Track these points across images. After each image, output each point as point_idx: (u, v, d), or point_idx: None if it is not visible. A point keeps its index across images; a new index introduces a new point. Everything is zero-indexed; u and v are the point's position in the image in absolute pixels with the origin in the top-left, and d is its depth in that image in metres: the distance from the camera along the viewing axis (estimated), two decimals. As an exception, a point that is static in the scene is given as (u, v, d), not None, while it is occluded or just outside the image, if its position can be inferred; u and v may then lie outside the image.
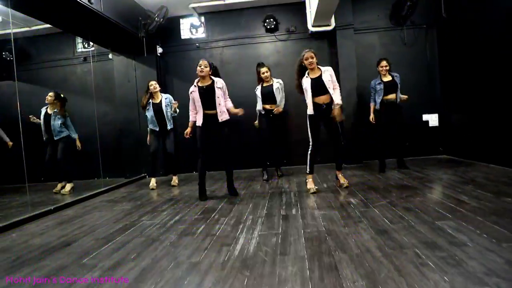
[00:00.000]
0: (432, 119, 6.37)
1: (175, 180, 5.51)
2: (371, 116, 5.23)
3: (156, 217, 3.46)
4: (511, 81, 4.41)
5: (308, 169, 4.11)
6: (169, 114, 5.40)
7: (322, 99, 3.95)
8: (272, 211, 3.28)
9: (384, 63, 5.03)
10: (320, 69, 4.03)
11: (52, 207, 4.14)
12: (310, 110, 3.99)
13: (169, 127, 5.39)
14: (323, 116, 3.96)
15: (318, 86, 3.95)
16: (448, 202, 3.08)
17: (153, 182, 5.33)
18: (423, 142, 6.33)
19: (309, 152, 4.11)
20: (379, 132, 5.19)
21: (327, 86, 3.91)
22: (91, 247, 2.66)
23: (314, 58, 3.97)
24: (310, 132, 4.05)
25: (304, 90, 4.06)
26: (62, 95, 5.69)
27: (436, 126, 6.36)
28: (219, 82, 4.12)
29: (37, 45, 7.17)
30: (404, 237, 2.28)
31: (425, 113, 6.36)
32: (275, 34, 6.56)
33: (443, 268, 1.81)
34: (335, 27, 6.09)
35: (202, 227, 2.95)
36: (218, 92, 4.06)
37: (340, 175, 4.23)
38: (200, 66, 4.00)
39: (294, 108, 6.16)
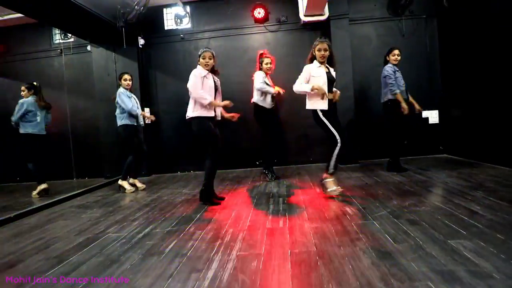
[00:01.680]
0: (432, 116, 5.97)
1: (137, 182, 5.07)
2: (403, 105, 4.44)
3: (124, 228, 3.02)
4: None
5: (332, 168, 3.50)
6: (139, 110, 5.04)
7: (329, 96, 3.55)
8: (256, 223, 2.86)
9: (397, 51, 4.63)
10: (327, 66, 3.66)
11: (12, 215, 3.69)
12: (324, 105, 3.49)
13: (141, 123, 5.08)
14: (329, 112, 3.56)
15: (329, 82, 3.54)
16: (459, 213, 2.67)
17: (129, 185, 4.93)
18: (422, 140, 5.94)
19: (337, 149, 3.44)
20: (399, 127, 4.65)
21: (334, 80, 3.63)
22: (38, 270, 2.22)
23: (327, 52, 3.53)
24: (332, 127, 3.47)
25: (309, 77, 3.56)
26: (35, 83, 5.25)
27: (436, 123, 5.97)
28: (218, 80, 3.79)
29: (9, 36, 6.67)
30: (412, 263, 1.86)
31: (424, 110, 5.93)
32: (265, 24, 6.11)
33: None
34: (329, 16, 5.66)
35: (173, 243, 2.52)
36: (219, 90, 3.79)
37: (332, 179, 3.74)
38: (204, 59, 3.60)
39: (287, 105, 5.74)
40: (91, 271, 2.13)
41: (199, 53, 3.65)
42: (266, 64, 4.73)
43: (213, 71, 3.75)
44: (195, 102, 3.56)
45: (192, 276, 1.94)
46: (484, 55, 4.72)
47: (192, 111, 3.59)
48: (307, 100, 3.63)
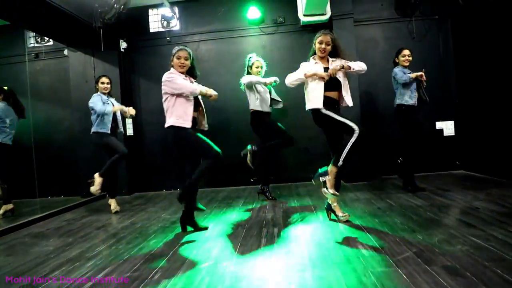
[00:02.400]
0: (447, 127, 5.33)
1: (112, 203, 4.41)
2: (421, 72, 3.88)
3: (74, 271, 2.34)
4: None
5: (342, 161, 2.84)
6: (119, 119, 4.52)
7: (334, 95, 3.07)
8: (243, 269, 2.17)
9: (407, 51, 4.06)
10: (329, 60, 3.12)
11: None
12: (320, 103, 2.95)
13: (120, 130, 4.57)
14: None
15: (332, 78, 2.99)
16: (509, 255, 2.00)
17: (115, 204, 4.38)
18: (436, 155, 5.28)
19: (354, 137, 2.79)
20: (409, 138, 4.06)
21: (341, 81, 3.05)
22: None
23: (329, 46, 3.02)
24: (342, 118, 2.89)
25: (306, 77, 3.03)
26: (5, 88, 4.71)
27: (451, 136, 5.32)
28: (195, 83, 3.20)
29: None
30: None
31: (438, 120, 5.33)
32: (260, 26, 5.51)
33: None
34: (331, 16, 5.07)
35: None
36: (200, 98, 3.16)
37: (335, 203, 3.09)
38: (179, 59, 3.00)
39: (285, 116, 5.10)
40: None
41: (173, 51, 3.05)
42: (257, 67, 4.16)
43: (191, 74, 3.12)
44: (168, 109, 2.97)
45: None
46: (505, 59, 4.12)
47: (168, 119, 2.97)
48: (306, 100, 3.09)
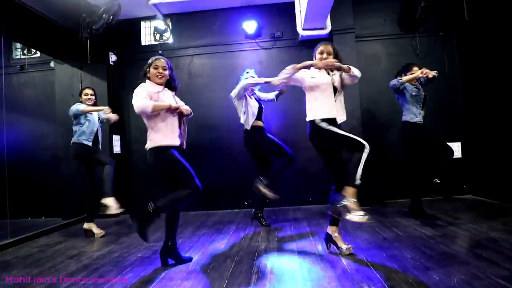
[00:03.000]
0: (454, 149, 5.00)
1: (94, 228, 4.05)
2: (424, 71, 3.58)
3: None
4: None
5: (360, 180, 2.45)
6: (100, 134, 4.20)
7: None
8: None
9: (416, 68, 3.74)
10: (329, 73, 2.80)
11: None
12: (324, 114, 2.67)
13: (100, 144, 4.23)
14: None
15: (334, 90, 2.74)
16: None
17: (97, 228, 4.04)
18: (443, 178, 4.94)
19: (365, 153, 2.47)
20: (415, 159, 3.82)
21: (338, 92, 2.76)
22: None
23: (331, 56, 2.72)
24: (348, 133, 2.59)
25: (301, 79, 2.75)
26: None
27: (458, 158, 5.01)
28: (178, 99, 2.85)
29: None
30: None
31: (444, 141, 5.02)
32: (257, 40, 5.27)
33: None
34: (331, 31, 4.84)
35: None
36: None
37: (336, 234, 2.77)
38: (156, 68, 2.68)
39: (281, 135, 4.79)
40: None
41: (149, 62, 2.74)
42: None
43: (170, 87, 2.81)
44: (150, 128, 2.64)
45: None
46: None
47: (148, 141, 2.64)
48: (307, 110, 2.77)
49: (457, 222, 3.47)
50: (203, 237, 3.56)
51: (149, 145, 2.63)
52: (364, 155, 2.45)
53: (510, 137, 4.08)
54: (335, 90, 2.74)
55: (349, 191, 2.48)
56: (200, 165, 3.46)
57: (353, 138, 2.54)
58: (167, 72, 2.71)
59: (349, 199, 2.45)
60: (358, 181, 2.45)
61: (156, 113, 2.58)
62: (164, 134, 2.61)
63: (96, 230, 4.01)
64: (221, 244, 3.25)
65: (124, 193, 5.30)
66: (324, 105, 2.67)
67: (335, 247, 2.76)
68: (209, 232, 3.77)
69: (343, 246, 2.67)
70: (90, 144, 3.99)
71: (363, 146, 2.47)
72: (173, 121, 2.67)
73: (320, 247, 2.94)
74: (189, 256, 2.86)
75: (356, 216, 2.38)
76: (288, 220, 4.17)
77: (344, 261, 2.55)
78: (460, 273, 2.15)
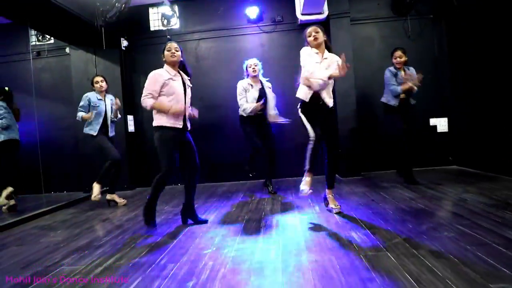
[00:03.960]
0: (441, 124, 5.48)
1: (116, 198, 4.53)
2: (411, 85, 4.04)
3: (84, 258, 2.48)
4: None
5: (308, 165, 3.11)
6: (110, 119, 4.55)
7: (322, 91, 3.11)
8: (243, 255, 2.32)
9: (398, 53, 4.18)
10: (327, 52, 3.19)
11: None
12: (308, 93, 3.10)
13: (111, 135, 4.56)
14: (319, 112, 3.14)
15: (323, 71, 3.06)
16: (494, 243, 2.15)
17: (98, 191, 4.40)
18: (430, 151, 5.43)
19: (309, 147, 3.10)
20: (398, 134, 4.26)
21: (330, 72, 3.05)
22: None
23: (320, 33, 3.11)
24: (308, 122, 3.10)
25: (305, 66, 3.09)
26: (6, 88, 4.77)
27: (445, 132, 5.48)
28: (187, 80, 3.22)
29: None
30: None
31: (432, 117, 5.48)
32: (259, 24, 5.64)
33: None
34: (328, 15, 5.21)
35: (137, 281, 1.99)
36: (189, 92, 3.18)
37: (330, 195, 3.30)
38: (169, 50, 3.06)
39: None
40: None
41: (162, 48, 3.16)
42: (250, 67, 4.30)
43: (184, 71, 3.23)
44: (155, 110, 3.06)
45: None
46: (498, 57, 4.25)
47: (154, 119, 3.09)
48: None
49: (438, 187, 3.96)
50: (215, 203, 4.07)
51: (154, 123, 3.08)
52: (308, 149, 3.11)
53: (493, 113, 4.51)
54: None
55: (306, 173, 3.18)
56: (208, 141, 3.88)
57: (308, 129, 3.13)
58: (179, 53, 3.09)
59: (306, 178, 3.15)
60: (308, 167, 3.14)
61: (167, 96, 2.99)
62: (168, 117, 3.01)
63: (118, 199, 4.51)
64: (231, 208, 3.77)
65: (139, 168, 5.82)
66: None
67: (328, 205, 3.27)
68: (220, 199, 4.28)
69: (333, 205, 3.20)
70: (95, 133, 4.34)
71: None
72: (180, 107, 3.02)
73: (317, 207, 3.45)
74: (205, 218, 3.35)
75: (304, 191, 3.09)
76: (289, 188, 4.66)
77: (336, 217, 3.05)
78: (430, 223, 2.65)
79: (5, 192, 4.49)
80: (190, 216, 3.24)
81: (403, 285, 1.68)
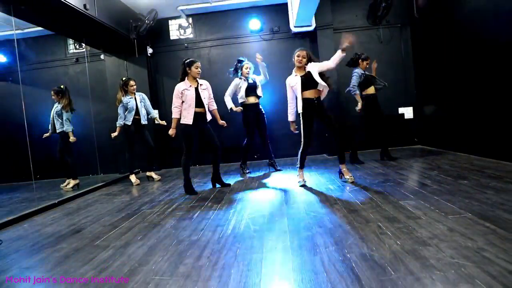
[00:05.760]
0: (407, 112, 6.83)
1: (153, 174, 5.85)
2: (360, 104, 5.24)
3: (155, 206, 3.82)
4: (476, 76, 4.88)
5: (299, 164, 4.25)
6: (143, 109, 5.77)
7: (312, 93, 4.06)
8: (261, 200, 3.67)
9: (365, 62, 5.38)
10: (305, 68, 4.15)
11: (56, 201, 4.46)
12: (300, 108, 4.09)
13: (143, 122, 5.74)
14: (316, 110, 4.10)
15: (308, 81, 4.04)
16: (414, 185, 3.52)
17: (135, 178, 5.70)
18: (399, 134, 6.79)
19: (300, 150, 4.19)
20: (365, 123, 5.45)
21: (317, 80, 4.00)
22: (100, 232, 3.01)
23: (305, 58, 4.16)
24: (304, 129, 4.12)
25: (291, 89, 4.21)
26: (61, 86, 5.89)
27: (411, 118, 6.84)
28: (204, 84, 4.42)
29: (31, 47, 7.38)
30: (371, 215, 2.70)
31: (400, 106, 6.82)
32: (260, 34, 6.92)
33: (398, 235, 2.23)
34: (315, 27, 6.49)
35: (198, 212, 3.33)
36: (203, 93, 4.37)
37: (344, 168, 4.21)
38: (197, 68, 4.27)
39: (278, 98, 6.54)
40: (142, 230, 2.93)
41: (187, 62, 4.27)
42: (246, 68, 5.48)
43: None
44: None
45: (217, 229, 2.75)
46: (451, 59, 5.57)
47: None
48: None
49: (398, 160, 5.30)
50: (232, 175, 5.41)
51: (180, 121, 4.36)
52: (299, 152, 4.24)
53: (448, 102, 5.84)
54: (314, 81, 4.14)
55: (298, 170, 4.32)
56: (218, 130, 5.07)
57: (301, 135, 4.19)
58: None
59: (299, 173, 4.29)
60: (299, 165, 4.30)
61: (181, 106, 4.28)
62: (184, 116, 4.27)
63: (155, 176, 5.83)
64: (245, 178, 5.10)
65: (163, 153, 7.11)
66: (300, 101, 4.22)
67: (343, 177, 4.22)
68: (234, 173, 5.62)
69: (348, 176, 4.14)
70: (130, 123, 5.59)
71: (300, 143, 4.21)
72: (191, 109, 4.26)
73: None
74: (228, 183, 4.67)
75: (301, 182, 4.19)
76: (286, 165, 6.01)
77: (334, 184, 4.40)
78: (380, 179, 4.01)
79: (73, 182, 5.77)
80: (217, 181, 4.57)
81: (353, 205, 3.04)
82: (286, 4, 6.62)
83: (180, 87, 4.25)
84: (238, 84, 5.49)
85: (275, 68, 6.61)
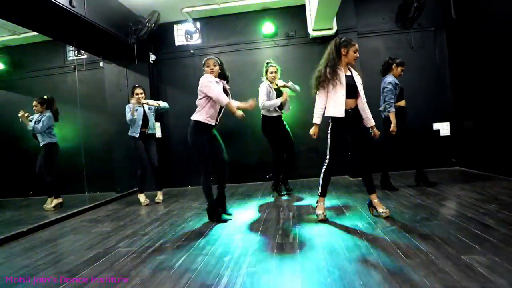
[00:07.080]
0: (443, 128, 5.92)
1: (159, 196, 5.12)
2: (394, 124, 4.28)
3: (135, 242, 3.04)
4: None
5: (320, 191, 3.34)
6: (153, 118, 5.18)
7: (349, 103, 3.23)
8: (266, 237, 2.84)
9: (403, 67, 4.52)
10: (349, 68, 3.34)
11: (24, 229, 3.74)
12: (338, 112, 3.19)
13: (151, 132, 5.14)
14: (350, 123, 3.27)
15: (350, 86, 3.21)
16: (472, 227, 2.62)
17: (144, 198, 5.04)
18: (434, 153, 5.87)
19: (324, 169, 3.32)
20: (408, 139, 4.47)
21: (359, 89, 3.26)
22: (47, 285, 2.24)
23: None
24: (332, 142, 3.27)
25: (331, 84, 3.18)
26: (46, 97, 5.36)
27: (447, 136, 5.91)
28: (228, 88, 3.71)
29: (26, 54, 6.85)
30: (424, 279, 1.83)
31: (435, 122, 5.92)
32: (274, 39, 6.18)
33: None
34: (337, 31, 5.71)
35: (183, 258, 2.52)
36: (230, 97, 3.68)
37: (375, 200, 3.29)
38: (208, 66, 3.55)
39: (294, 116, 5.74)
40: (102, 285, 2.14)
41: (203, 62, 3.63)
42: (271, 73, 4.69)
43: (223, 77, 3.70)
44: (200, 106, 3.52)
45: (201, 291, 1.94)
46: (495, 66, 4.68)
47: (197, 114, 3.53)
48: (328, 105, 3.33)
49: (437, 186, 4.39)
50: (238, 201, 4.60)
51: (194, 117, 3.52)
52: (322, 172, 3.36)
53: (491, 117, 4.93)
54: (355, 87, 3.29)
55: (319, 198, 3.38)
56: (228, 145, 4.35)
57: (327, 149, 3.33)
58: (217, 68, 3.57)
59: (319, 203, 3.37)
60: (320, 192, 3.36)
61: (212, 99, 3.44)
62: (210, 116, 3.51)
63: (160, 197, 5.12)
64: (252, 204, 4.28)
65: (166, 170, 6.39)
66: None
67: (375, 210, 3.28)
68: (241, 198, 4.81)
69: (381, 209, 3.20)
70: (137, 135, 4.93)
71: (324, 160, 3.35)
72: (218, 107, 3.56)
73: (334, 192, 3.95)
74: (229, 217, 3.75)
75: (319, 216, 3.27)
76: (303, 188, 5.16)
77: (343, 212, 3.54)
78: (422, 213, 3.13)
79: (55, 202, 5.11)
80: (221, 207, 3.71)
81: (394, 258, 2.18)
82: (302, 6, 5.87)
83: (211, 79, 3.47)
84: (267, 89, 4.64)
85: (291, 77, 5.81)
